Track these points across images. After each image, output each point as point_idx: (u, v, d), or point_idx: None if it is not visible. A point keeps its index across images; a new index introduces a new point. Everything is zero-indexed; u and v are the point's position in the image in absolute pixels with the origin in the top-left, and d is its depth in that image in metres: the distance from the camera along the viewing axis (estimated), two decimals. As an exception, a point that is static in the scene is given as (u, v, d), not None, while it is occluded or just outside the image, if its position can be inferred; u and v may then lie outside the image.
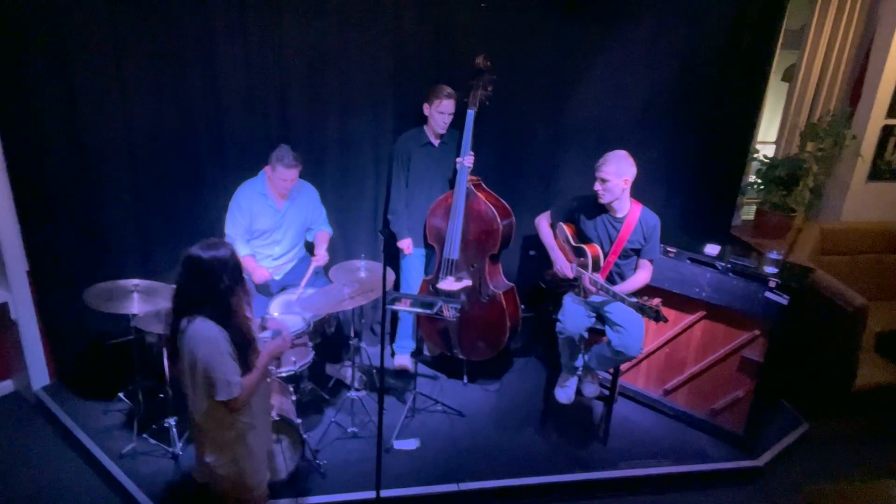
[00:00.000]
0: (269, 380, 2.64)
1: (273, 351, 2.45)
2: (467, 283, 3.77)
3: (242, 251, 3.52)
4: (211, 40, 3.50)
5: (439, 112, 3.67)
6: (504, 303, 3.78)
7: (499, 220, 3.68)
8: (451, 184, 3.81)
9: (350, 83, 3.79)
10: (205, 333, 2.14)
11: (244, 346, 2.23)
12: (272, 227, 3.57)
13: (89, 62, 3.34)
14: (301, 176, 3.71)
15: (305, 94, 3.76)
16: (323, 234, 3.73)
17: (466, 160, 3.66)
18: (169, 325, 2.24)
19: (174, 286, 2.23)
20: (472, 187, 3.72)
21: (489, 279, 3.80)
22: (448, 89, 3.65)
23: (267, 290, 3.64)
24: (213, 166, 3.74)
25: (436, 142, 3.81)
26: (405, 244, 3.94)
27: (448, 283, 3.73)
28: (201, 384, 2.18)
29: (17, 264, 3.55)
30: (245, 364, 2.23)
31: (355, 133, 3.92)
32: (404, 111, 3.91)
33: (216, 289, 2.15)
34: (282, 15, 3.55)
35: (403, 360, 4.19)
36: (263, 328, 2.78)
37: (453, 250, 3.78)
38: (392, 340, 4.27)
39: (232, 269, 2.18)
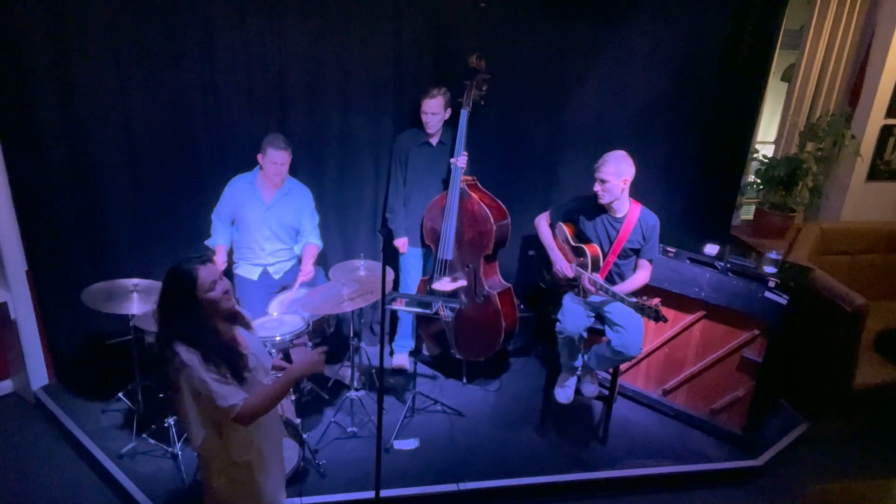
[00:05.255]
0: (281, 409, 2.54)
1: (293, 374, 2.17)
2: (462, 283, 3.77)
3: (218, 239, 3.60)
4: (211, 40, 3.50)
5: (423, 112, 3.67)
6: (499, 303, 3.77)
7: (492, 220, 3.67)
8: (443, 183, 3.81)
9: (350, 83, 3.79)
10: (180, 359, 1.98)
11: (229, 361, 2.03)
12: (259, 220, 3.56)
13: (89, 62, 3.34)
14: (300, 175, 3.72)
15: (305, 93, 3.76)
16: (311, 248, 3.66)
17: (459, 161, 3.65)
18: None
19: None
20: (467, 187, 3.72)
21: (485, 279, 3.80)
22: (433, 90, 3.64)
23: (265, 289, 3.65)
24: (212, 166, 3.74)
25: (433, 141, 3.81)
26: (400, 243, 3.94)
27: (443, 284, 3.73)
28: (206, 406, 2.03)
29: (17, 264, 3.55)
30: (238, 378, 2.04)
31: (355, 133, 3.91)
32: (404, 111, 3.91)
33: (174, 306, 2.02)
34: (282, 14, 3.55)
35: (402, 359, 4.19)
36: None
37: (447, 251, 3.78)
38: (391, 339, 4.28)
39: (184, 281, 2.00)
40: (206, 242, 3.62)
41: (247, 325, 2.25)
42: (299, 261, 3.72)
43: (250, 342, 2.23)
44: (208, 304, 2.02)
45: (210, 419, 2.08)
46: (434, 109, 3.65)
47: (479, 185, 3.83)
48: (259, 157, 3.46)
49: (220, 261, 3.54)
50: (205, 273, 2.01)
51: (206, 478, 2.23)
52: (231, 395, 1.99)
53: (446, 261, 3.80)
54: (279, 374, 2.24)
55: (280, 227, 3.62)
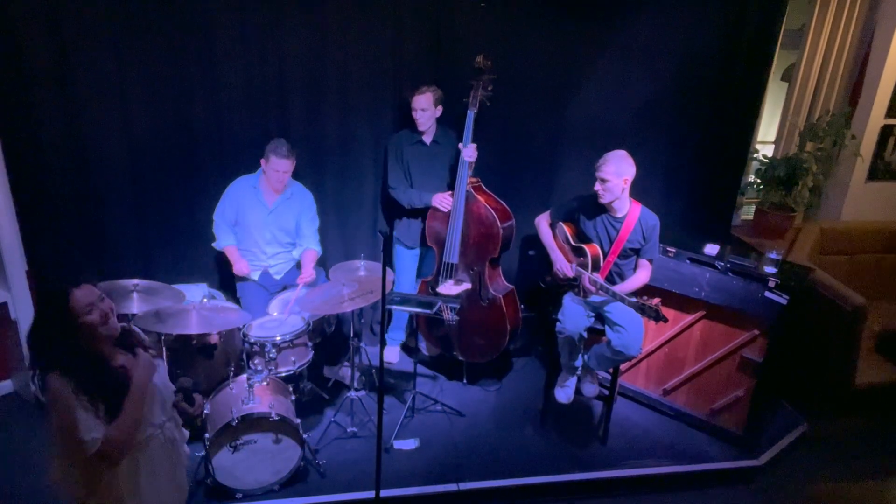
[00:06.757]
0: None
1: (139, 386, 1.95)
2: (467, 286, 3.75)
3: (226, 241, 3.58)
4: (211, 40, 3.50)
5: (412, 109, 3.66)
6: (504, 306, 3.77)
7: (499, 223, 3.66)
8: (447, 185, 3.80)
9: (350, 83, 3.79)
10: (49, 387, 1.82)
11: (106, 393, 1.87)
12: (260, 223, 3.57)
13: (89, 62, 3.34)
14: (300, 176, 3.72)
15: (305, 94, 3.76)
16: (310, 253, 3.68)
17: (466, 153, 3.57)
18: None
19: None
20: (472, 190, 3.70)
21: (489, 282, 3.79)
22: (423, 86, 3.63)
23: (266, 290, 3.65)
24: (212, 166, 3.74)
25: (426, 140, 3.79)
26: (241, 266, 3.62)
27: (447, 287, 3.71)
28: (66, 437, 1.85)
29: (17, 264, 3.55)
30: (113, 414, 1.87)
31: (355, 133, 3.91)
32: (404, 111, 3.90)
33: (45, 332, 1.87)
34: (282, 15, 3.55)
35: (392, 353, 4.18)
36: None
37: (453, 254, 3.76)
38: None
39: (56, 304, 1.85)
40: (213, 245, 3.62)
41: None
42: (298, 265, 3.72)
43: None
44: (84, 328, 1.87)
45: (68, 454, 1.88)
46: (423, 105, 3.63)
47: (483, 186, 3.82)
48: (262, 161, 3.47)
49: (239, 265, 3.53)
50: (79, 295, 1.86)
51: None
52: (95, 429, 1.83)
53: (451, 264, 3.77)
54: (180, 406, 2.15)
55: (281, 230, 3.62)
